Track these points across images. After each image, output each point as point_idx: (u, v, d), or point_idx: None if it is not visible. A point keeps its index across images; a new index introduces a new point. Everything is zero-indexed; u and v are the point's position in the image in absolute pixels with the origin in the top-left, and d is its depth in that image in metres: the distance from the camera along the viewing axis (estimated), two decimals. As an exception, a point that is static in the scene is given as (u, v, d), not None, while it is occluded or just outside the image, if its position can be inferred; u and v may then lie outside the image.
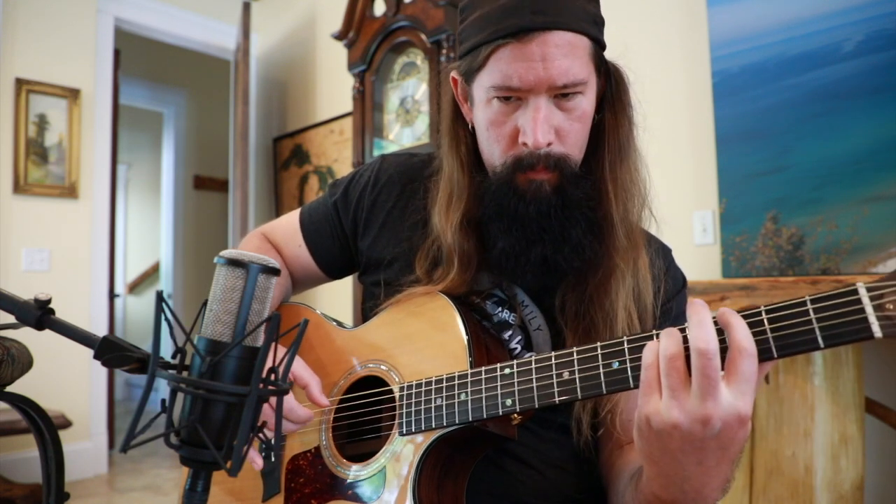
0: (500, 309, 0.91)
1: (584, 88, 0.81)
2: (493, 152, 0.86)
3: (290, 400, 0.83)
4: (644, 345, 0.65)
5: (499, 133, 0.84)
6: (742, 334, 0.57)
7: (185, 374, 0.52)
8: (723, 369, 0.58)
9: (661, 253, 0.96)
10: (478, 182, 0.89)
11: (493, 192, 0.85)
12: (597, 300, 0.85)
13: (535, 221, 0.83)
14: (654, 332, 0.66)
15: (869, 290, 0.55)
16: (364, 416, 0.89)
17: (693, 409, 0.57)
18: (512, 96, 0.81)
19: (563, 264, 0.84)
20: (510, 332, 0.90)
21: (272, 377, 0.52)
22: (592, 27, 0.81)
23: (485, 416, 0.75)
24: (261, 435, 0.53)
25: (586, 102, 0.82)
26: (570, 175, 0.83)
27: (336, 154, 3.72)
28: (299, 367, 0.86)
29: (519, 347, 0.90)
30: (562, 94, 0.80)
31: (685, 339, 0.60)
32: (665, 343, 0.60)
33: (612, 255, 0.85)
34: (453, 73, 0.91)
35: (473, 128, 0.90)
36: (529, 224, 0.83)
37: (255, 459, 0.81)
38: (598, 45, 0.83)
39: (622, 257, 0.85)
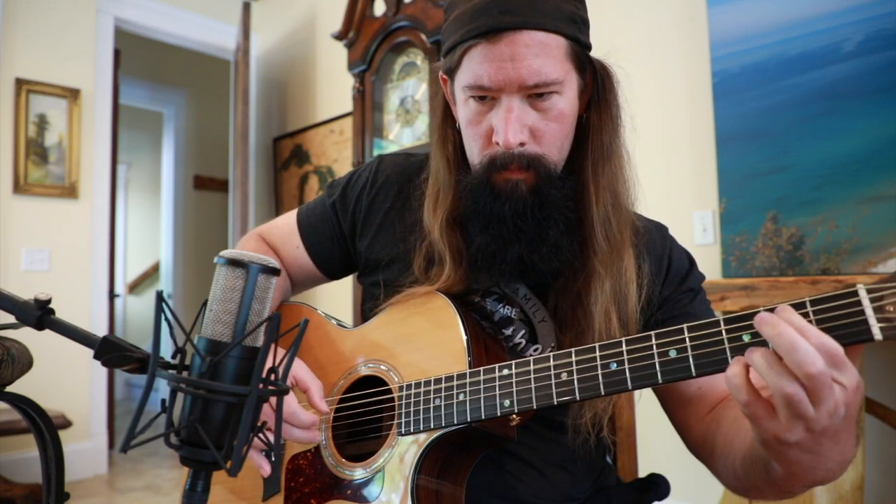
0: (500, 305, 0.91)
1: (559, 88, 0.80)
2: (473, 151, 0.87)
3: (293, 404, 0.82)
4: (643, 346, 0.65)
5: (475, 132, 0.85)
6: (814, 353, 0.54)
7: (185, 374, 0.52)
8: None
9: (659, 233, 0.96)
10: (460, 180, 0.89)
11: (471, 190, 0.86)
12: (583, 301, 0.85)
13: (510, 221, 0.82)
14: (653, 332, 0.66)
15: (869, 291, 0.55)
16: (363, 416, 0.89)
17: (817, 414, 0.56)
18: (486, 96, 0.81)
19: (540, 265, 0.84)
20: (513, 328, 0.90)
21: (272, 377, 0.52)
22: (569, 26, 0.80)
23: (483, 416, 0.75)
24: (261, 436, 0.53)
25: (563, 102, 0.82)
26: (547, 175, 0.83)
27: (336, 154, 3.72)
28: (301, 371, 0.86)
29: (523, 342, 0.90)
30: (536, 94, 0.80)
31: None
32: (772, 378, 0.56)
33: (592, 258, 0.85)
34: (441, 72, 0.91)
35: (460, 126, 0.91)
36: (505, 223, 0.83)
37: (263, 465, 0.80)
38: (578, 43, 0.82)
39: (601, 261, 0.84)
